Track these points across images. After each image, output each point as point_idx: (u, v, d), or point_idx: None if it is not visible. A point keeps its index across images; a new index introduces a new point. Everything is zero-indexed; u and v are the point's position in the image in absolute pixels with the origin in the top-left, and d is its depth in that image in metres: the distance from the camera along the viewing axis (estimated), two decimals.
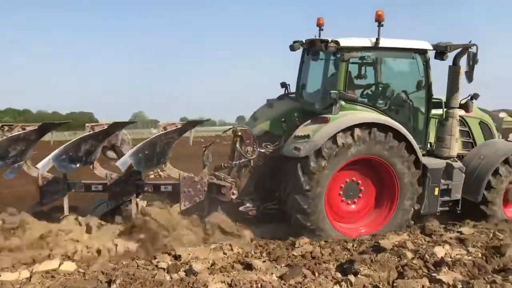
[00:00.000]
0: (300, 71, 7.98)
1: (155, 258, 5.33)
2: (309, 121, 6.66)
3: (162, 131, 6.36)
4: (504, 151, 7.38)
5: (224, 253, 5.52)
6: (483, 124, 8.18)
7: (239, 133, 6.92)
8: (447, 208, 7.24)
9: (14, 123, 6.40)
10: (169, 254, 5.46)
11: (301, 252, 5.57)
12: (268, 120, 7.52)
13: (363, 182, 6.79)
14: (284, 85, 8.09)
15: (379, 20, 6.63)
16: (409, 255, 5.08)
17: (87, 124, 6.69)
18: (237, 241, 5.95)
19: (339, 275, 4.69)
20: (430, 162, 7.02)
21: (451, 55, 7.20)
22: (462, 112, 7.50)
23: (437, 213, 7.17)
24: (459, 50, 7.17)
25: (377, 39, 6.74)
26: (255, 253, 5.69)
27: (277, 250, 5.71)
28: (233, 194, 6.75)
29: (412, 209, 6.84)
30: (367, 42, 6.87)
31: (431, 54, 7.17)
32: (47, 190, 6.63)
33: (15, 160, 6.25)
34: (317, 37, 7.36)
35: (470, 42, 7.06)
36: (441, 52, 7.16)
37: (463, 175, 7.21)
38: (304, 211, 6.29)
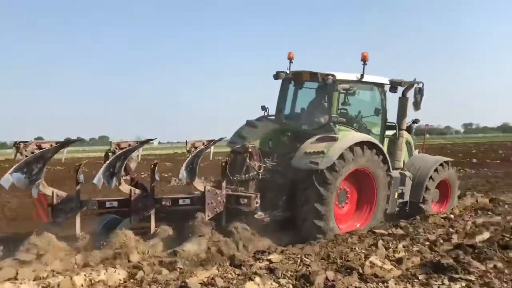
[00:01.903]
0: (280, 98, 9.10)
1: None
2: (315, 139, 7.66)
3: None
4: (432, 163, 9.44)
5: None
6: (407, 143, 9.77)
7: (250, 150, 7.85)
8: (398, 209, 8.79)
9: (29, 140, 6.06)
10: None
11: None
12: (258, 139, 8.51)
13: (350, 190, 8.01)
14: (264, 108, 9.16)
15: (364, 60, 8.04)
16: None
17: (112, 141, 6.69)
18: None
19: None
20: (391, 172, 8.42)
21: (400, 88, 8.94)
22: (406, 134, 9.32)
23: (395, 213, 8.66)
24: (408, 85, 8.91)
25: (362, 75, 8.23)
26: None
27: None
28: (257, 203, 7.28)
29: (384, 209, 8.26)
30: (353, 76, 8.30)
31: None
32: (61, 209, 6.49)
33: (36, 178, 6.08)
34: (288, 69, 8.99)
35: (415, 79, 8.88)
36: (394, 86, 8.82)
37: (411, 182, 9.05)
38: (322, 216, 7.33)
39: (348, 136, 7.83)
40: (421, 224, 7.51)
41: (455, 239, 6.48)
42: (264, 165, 7.96)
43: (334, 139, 7.56)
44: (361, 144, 7.72)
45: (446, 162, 9.65)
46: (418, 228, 7.17)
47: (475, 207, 9.75)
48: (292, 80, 9.06)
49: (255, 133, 8.70)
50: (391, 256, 5.69)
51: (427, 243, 6.26)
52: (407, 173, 9.01)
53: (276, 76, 8.98)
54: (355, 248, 5.98)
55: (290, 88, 9.12)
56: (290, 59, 9.08)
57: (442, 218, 8.04)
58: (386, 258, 5.59)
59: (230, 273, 4.95)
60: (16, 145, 5.97)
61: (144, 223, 6.94)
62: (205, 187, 7.15)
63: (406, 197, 9.00)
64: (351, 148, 7.54)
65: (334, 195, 7.47)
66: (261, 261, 5.44)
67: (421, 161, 9.58)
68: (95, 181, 5.98)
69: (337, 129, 7.88)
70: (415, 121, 9.62)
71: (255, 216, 7.40)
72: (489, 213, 8.52)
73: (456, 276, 4.76)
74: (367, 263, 5.24)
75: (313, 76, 8.50)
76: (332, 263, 5.46)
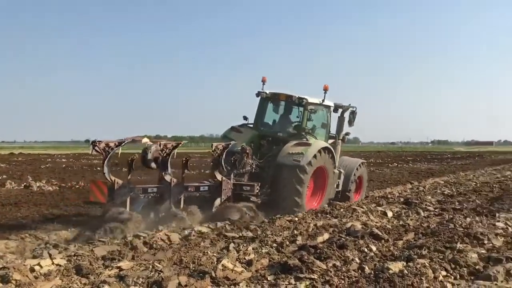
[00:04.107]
0: (259, 111, 11.89)
1: None
2: (294, 144, 10.60)
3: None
4: (354, 163, 13.05)
5: None
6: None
7: (247, 151, 10.25)
8: (333, 196, 11.88)
9: (101, 140, 8.10)
10: None
11: None
12: (244, 142, 10.74)
13: (311, 180, 10.90)
14: (245, 118, 11.87)
15: (325, 89, 11.44)
16: None
17: (160, 141, 9.05)
18: None
19: None
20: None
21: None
22: (341, 142, 12.79)
23: (333, 198, 11.76)
24: (345, 108, 12.58)
25: (323, 100, 11.58)
26: None
27: None
28: (257, 189, 10.05)
29: (330, 195, 11.61)
30: (317, 100, 11.52)
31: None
32: (119, 193, 8.31)
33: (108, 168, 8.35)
34: (262, 89, 11.68)
35: (349, 104, 12.59)
36: (336, 108, 12.51)
37: (343, 176, 12.38)
38: (300, 195, 10.26)
39: (317, 143, 10.93)
40: (269, 227, 7.86)
41: (299, 240, 6.91)
42: (256, 162, 10.58)
43: (308, 144, 10.62)
44: (324, 149, 10.91)
45: (362, 163, 13.44)
46: (266, 231, 7.47)
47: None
48: (270, 98, 11.87)
49: (240, 137, 11.05)
50: (242, 259, 5.82)
51: (275, 244, 6.56)
52: (341, 170, 12.36)
53: (258, 95, 11.69)
54: (207, 252, 6.01)
55: (267, 104, 12.02)
56: (264, 81, 11.74)
57: (287, 220, 8.51)
58: (237, 261, 5.70)
59: (76, 283, 4.59)
60: (92, 143, 8.00)
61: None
62: (222, 177, 9.56)
63: (340, 187, 12.32)
64: (319, 151, 10.65)
65: (308, 182, 10.50)
66: (110, 268, 5.14)
67: (347, 162, 13.11)
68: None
69: (308, 137, 11.04)
70: (347, 134, 12.99)
71: (251, 199, 10.09)
72: (328, 215, 9.25)
73: (302, 275, 5.06)
74: (219, 266, 5.29)
75: (288, 97, 11.58)
76: (184, 267, 5.40)
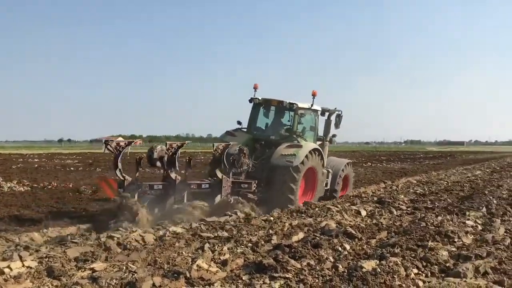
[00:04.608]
0: (252, 116, 12.77)
1: None
2: (286, 146, 11.50)
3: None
4: (341, 163, 14.08)
5: None
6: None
7: (245, 151, 10.97)
8: (322, 194, 12.79)
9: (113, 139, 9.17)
10: None
11: None
12: (239, 145, 11.21)
13: (302, 179, 11.64)
14: (239, 122, 12.72)
15: (314, 95, 12.42)
16: None
17: (168, 143, 9.73)
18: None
19: None
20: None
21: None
22: (328, 144, 13.82)
23: (322, 196, 12.72)
24: (331, 111, 13.61)
25: (312, 104, 12.58)
26: None
27: None
28: (255, 187, 11.00)
29: (319, 193, 12.50)
30: (307, 105, 12.47)
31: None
32: (128, 189, 9.11)
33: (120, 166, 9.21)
34: (254, 96, 12.54)
35: (335, 108, 13.66)
36: (323, 112, 13.50)
37: (331, 176, 13.26)
38: (293, 192, 11.16)
39: (307, 145, 11.86)
40: (245, 227, 7.87)
41: (274, 240, 6.94)
42: (252, 162, 11.30)
43: (300, 146, 11.53)
44: (313, 150, 11.85)
45: (348, 163, 14.50)
46: (241, 231, 7.48)
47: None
48: (262, 104, 12.76)
49: (235, 140, 11.64)
50: (217, 259, 5.82)
51: (250, 244, 6.57)
52: (329, 169, 13.27)
53: (251, 101, 12.55)
54: (182, 253, 5.98)
55: (260, 109, 12.89)
56: (255, 88, 12.58)
57: (263, 220, 8.54)
58: (212, 261, 5.70)
59: (47, 286, 4.51)
60: (105, 142, 8.89)
61: None
62: (222, 175, 10.31)
63: (328, 186, 13.25)
64: (310, 152, 11.59)
65: (300, 180, 11.42)
66: (83, 270, 5.06)
67: (334, 162, 14.09)
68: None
69: (299, 139, 12.01)
70: (334, 136, 13.94)
71: (248, 196, 10.84)
72: (303, 215, 9.32)
73: (276, 275, 5.09)
74: (194, 266, 5.27)
75: (279, 103, 12.43)
76: (159, 268, 5.36)
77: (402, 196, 12.86)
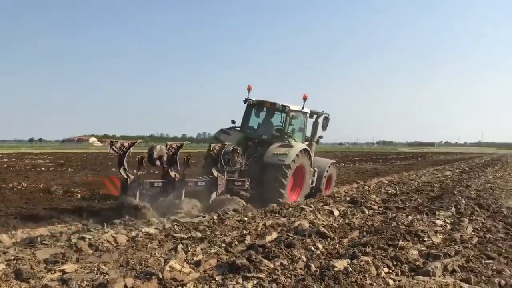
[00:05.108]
0: (245, 116, 13.57)
1: None
2: (278, 145, 12.36)
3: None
4: (326, 163, 15.20)
5: None
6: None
7: (238, 151, 11.73)
8: (308, 191, 13.72)
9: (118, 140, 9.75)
10: None
11: None
12: (233, 143, 11.97)
13: (291, 177, 12.42)
14: (233, 121, 13.58)
15: (304, 98, 13.53)
16: None
17: (168, 143, 10.46)
18: None
19: None
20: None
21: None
22: (315, 144, 14.81)
23: (308, 193, 13.71)
24: (319, 114, 14.57)
25: (303, 107, 13.63)
26: None
27: None
28: (248, 185, 11.80)
29: (306, 190, 13.51)
30: (298, 108, 13.43)
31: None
32: (131, 187, 9.57)
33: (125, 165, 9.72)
34: (247, 97, 13.34)
35: (323, 111, 14.61)
36: (312, 114, 14.48)
37: (317, 174, 14.32)
38: (284, 187, 12.01)
39: (297, 145, 12.70)
40: (218, 227, 7.86)
41: (248, 240, 6.95)
42: (244, 161, 12.00)
43: (291, 146, 12.37)
44: (303, 150, 12.69)
45: (332, 163, 15.68)
46: (215, 231, 7.47)
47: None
48: (256, 105, 13.54)
49: (230, 139, 12.45)
50: (190, 260, 5.79)
51: (224, 245, 6.57)
52: (316, 168, 14.27)
53: (245, 101, 13.31)
54: (155, 253, 5.93)
55: (253, 110, 13.68)
56: (249, 89, 13.23)
57: (237, 220, 8.54)
58: (185, 262, 5.68)
59: None
60: (110, 142, 9.27)
61: None
62: (217, 174, 11.04)
63: (314, 184, 14.24)
64: (300, 152, 12.43)
65: (290, 177, 12.24)
66: (53, 272, 4.97)
67: (320, 161, 15.17)
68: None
69: (290, 140, 12.88)
70: (320, 137, 15.01)
71: (241, 193, 11.74)
72: (277, 215, 9.36)
73: (249, 275, 5.09)
74: (167, 267, 5.23)
75: (272, 104, 13.25)
76: (131, 269, 5.31)
77: (374, 196, 13.04)
